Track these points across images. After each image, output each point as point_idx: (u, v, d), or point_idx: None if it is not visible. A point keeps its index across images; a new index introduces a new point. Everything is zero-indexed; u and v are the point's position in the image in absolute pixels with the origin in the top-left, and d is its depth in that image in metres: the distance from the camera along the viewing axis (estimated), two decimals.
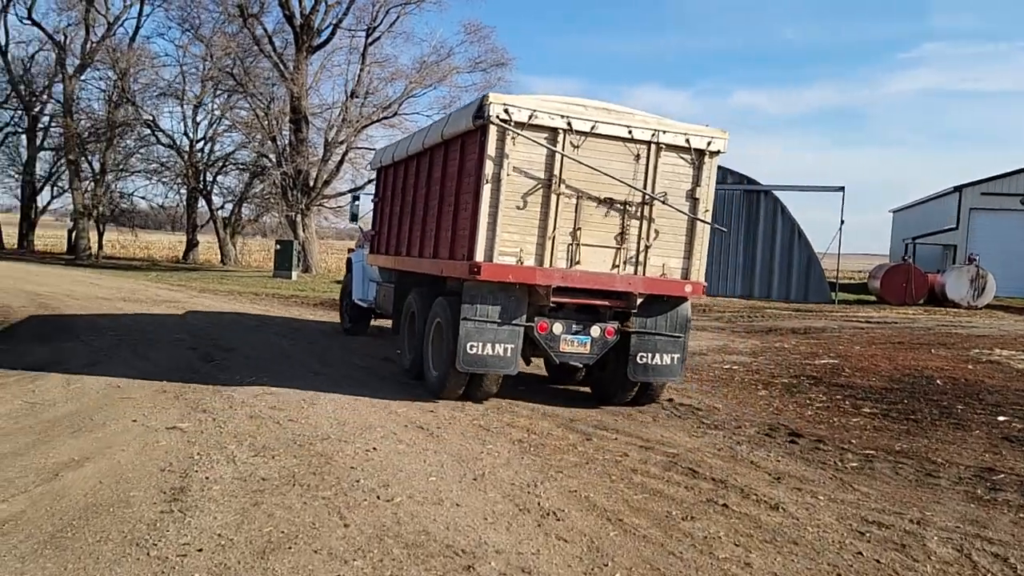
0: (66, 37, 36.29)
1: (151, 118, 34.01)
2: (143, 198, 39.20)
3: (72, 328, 12.02)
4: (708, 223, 8.07)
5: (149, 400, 7.14)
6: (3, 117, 40.60)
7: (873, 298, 30.50)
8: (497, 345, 7.60)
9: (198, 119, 36.43)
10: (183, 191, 37.24)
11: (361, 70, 29.15)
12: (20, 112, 39.90)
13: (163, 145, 35.71)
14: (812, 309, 24.54)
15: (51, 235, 48.80)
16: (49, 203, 42.62)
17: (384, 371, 9.69)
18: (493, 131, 7.30)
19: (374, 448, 5.90)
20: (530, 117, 7.36)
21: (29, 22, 36.68)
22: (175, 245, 44.88)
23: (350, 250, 15.59)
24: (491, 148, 7.34)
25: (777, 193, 30.68)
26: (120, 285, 21.36)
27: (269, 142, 31.10)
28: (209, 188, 37.67)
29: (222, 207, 38.62)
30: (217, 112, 36.20)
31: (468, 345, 7.50)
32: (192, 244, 39.09)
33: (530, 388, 9.02)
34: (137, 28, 35.71)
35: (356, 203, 14.68)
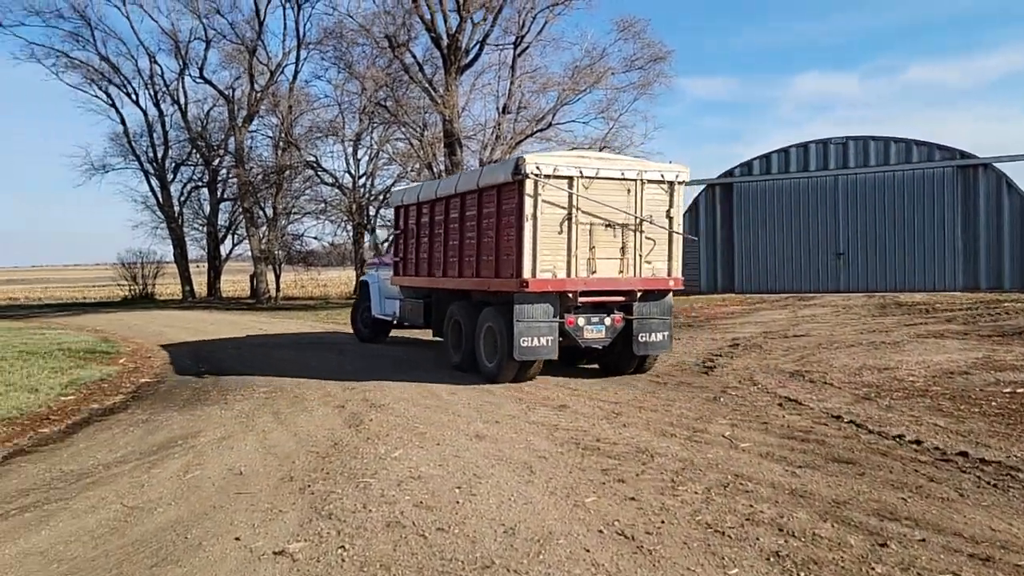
0: (234, 91, 38.00)
1: (314, 159, 34.61)
2: (315, 238, 40.16)
3: (220, 385, 11.08)
4: (681, 234, 10.91)
5: (269, 496, 5.58)
6: (187, 173, 43.32)
7: None
8: (542, 338, 10.07)
9: (358, 155, 36.77)
10: (349, 227, 37.66)
11: (511, 84, 27.83)
12: (201, 167, 42.35)
13: (327, 184, 36.30)
14: None
15: (240, 280, 51.55)
16: (231, 251, 44.88)
17: (569, 431, 7.71)
18: (529, 183, 9.82)
19: None
20: (554, 170, 9.96)
21: (202, 80, 38.80)
22: (349, 280, 45.81)
23: (361, 274, 18.46)
24: (529, 195, 9.85)
25: (999, 166, 26.00)
26: (288, 328, 21.03)
27: (425, 170, 30.47)
28: (373, 222, 37.88)
29: (387, 240, 38.69)
30: (375, 146, 36.38)
31: (522, 340, 9.96)
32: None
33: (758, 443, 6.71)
34: (296, 73, 36.69)
35: (375, 235, 18.23)
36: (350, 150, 36.42)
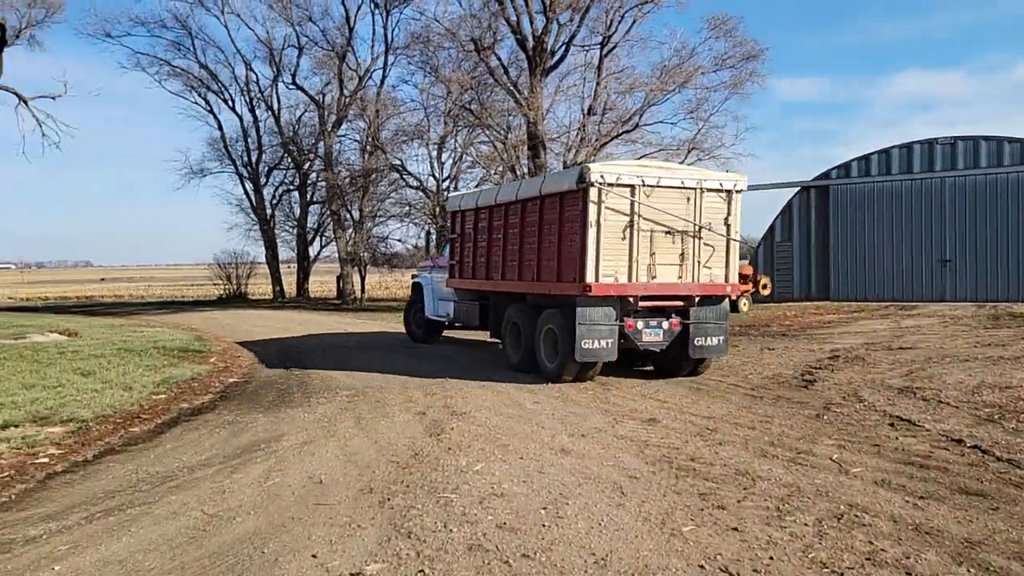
0: (324, 96, 38.84)
1: (399, 162, 34.97)
2: (399, 240, 40.62)
3: (305, 386, 11.10)
4: (738, 241, 11.24)
5: (348, 508, 5.39)
6: (279, 177, 44.59)
7: None
8: (602, 340, 10.39)
9: (442, 159, 37.00)
10: (432, 230, 37.92)
11: (597, 85, 27.36)
12: (292, 171, 43.51)
13: (411, 188, 36.62)
14: None
15: (327, 281, 52.72)
16: (319, 253, 45.91)
17: (661, 447, 7.29)
18: (593, 191, 10.21)
19: None
20: (617, 178, 10.33)
21: (294, 87, 39.85)
22: None
23: (413, 275, 18.95)
24: (592, 202, 10.25)
25: None
26: (371, 328, 21.20)
27: (509, 172, 30.33)
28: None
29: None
30: (459, 150, 36.50)
31: (583, 342, 10.30)
32: None
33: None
34: (383, 78, 37.18)
35: (431, 237, 18.86)
36: (434, 153, 36.71)
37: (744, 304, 25.45)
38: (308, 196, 43.43)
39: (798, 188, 30.53)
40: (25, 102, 28.62)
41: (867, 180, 28.07)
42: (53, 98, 29.86)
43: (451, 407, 9.23)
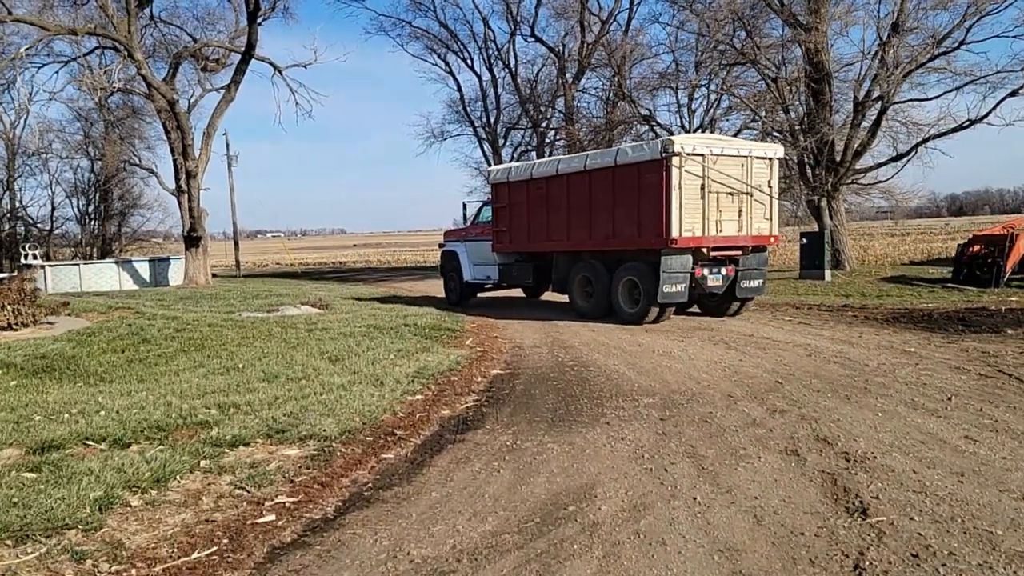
0: (564, 47, 36.34)
1: (648, 112, 31.60)
2: None
3: (587, 384, 8.45)
4: (777, 199, 13.73)
5: None
6: (516, 137, 43.04)
7: None
8: (679, 285, 12.69)
9: (693, 106, 33.02)
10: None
11: (903, 1, 22.00)
12: (530, 131, 41.71)
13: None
14: None
15: None
16: None
17: None
18: (677, 159, 12.29)
19: None
20: (693, 148, 12.49)
21: (533, 39, 37.72)
22: None
23: (441, 245, 19.43)
24: (676, 168, 12.29)
25: None
26: None
27: (782, 114, 25.82)
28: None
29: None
30: (714, 95, 32.28)
31: (665, 287, 12.57)
32: None
33: None
34: (629, 19, 33.91)
35: (466, 209, 18.54)
36: (684, 100, 32.81)
37: None
38: (547, 155, 41.45)
39: None
40: (280, 71, 29.02)
41: None
42: (305, 66, 30.13)
43: (830, 440, 6.03)
